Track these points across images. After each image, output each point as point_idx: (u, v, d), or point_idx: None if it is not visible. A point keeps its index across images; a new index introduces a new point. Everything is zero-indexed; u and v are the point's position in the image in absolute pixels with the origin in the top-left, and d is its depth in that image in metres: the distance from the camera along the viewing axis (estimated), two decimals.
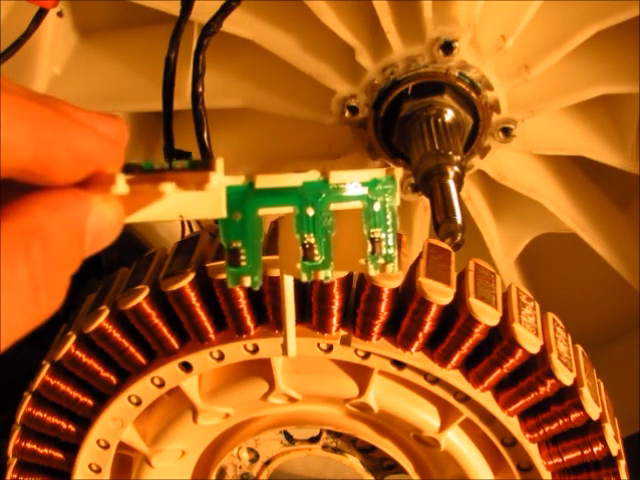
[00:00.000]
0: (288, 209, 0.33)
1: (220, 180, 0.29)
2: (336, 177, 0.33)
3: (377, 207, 0.33)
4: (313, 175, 0.33)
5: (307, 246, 0.33)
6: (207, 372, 0.54)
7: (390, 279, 0.48)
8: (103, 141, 0.28)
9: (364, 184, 0.33)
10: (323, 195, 0.33)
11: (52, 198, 0.26)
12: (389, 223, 0.34)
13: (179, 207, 0.30)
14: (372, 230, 0.34)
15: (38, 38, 0.67)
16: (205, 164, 0.30)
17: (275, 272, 0.46)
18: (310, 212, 0.33)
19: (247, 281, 0.32)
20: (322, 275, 0.33)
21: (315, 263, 0.33)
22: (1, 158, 0.24)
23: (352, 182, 0.33)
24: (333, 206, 0.33)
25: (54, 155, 0.25)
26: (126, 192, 0.28)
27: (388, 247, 0.34)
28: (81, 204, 0.27)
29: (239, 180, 0.32)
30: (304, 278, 0.33)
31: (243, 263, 0.32)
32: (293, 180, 0.32)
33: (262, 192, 0.32)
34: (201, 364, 0.52)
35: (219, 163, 0.30)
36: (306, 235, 0.33)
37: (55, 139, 0.25)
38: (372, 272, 0.34)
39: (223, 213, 0.31)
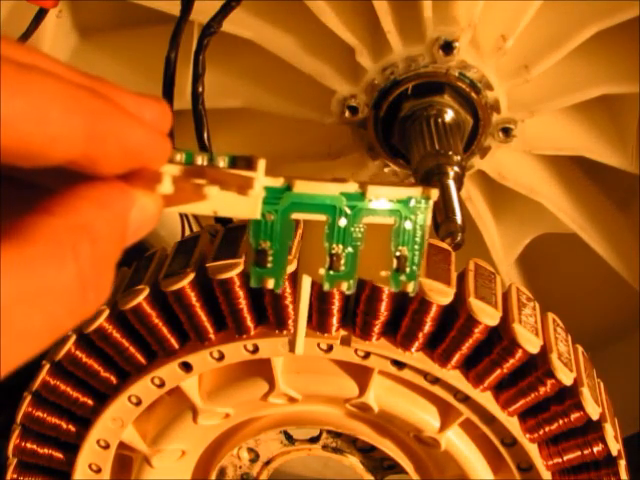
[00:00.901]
0: (321, 217, 0.32)
1: (262, 184, 0.30)
2: (373, 191, 0.32)
3: (408, 225, 0.33)
4: (351, 187, 0.32)
5: (334, 256, 0.32)
6: (207, 372, 0.54)
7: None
8: (152, 136, 0.27)
9: (399, 201, 0.33)
10: (358, 207, 0.32)
11: (99, 193, 0.25)
12: (417, 242, 0.33)
13: (215, 204, 0.30)
14: (400, 247, 0.33)
15: (38, 38, 0.67)
16: (247, 162, 0.30)
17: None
18: (342, 223, 0.32)
19: (271, 283, 0.32)
20: (344, 286, 0.33)
21: (339, 273, 0.32)
22: (52, 150, 0.23)
23: (389, 198, 0.33)
24: (366, 220, 0.33)
25: (104, 150, 0.25)
26: (171, 192, 0.28)
27: (413, 265, 0.33)
28: (126, 200, 0.26)
29: (278, 182, 0.31)
30: (326, 287, 0.33)
31: (269, 265, 0.32)
32: (331, 189, 0.32)
33: (298, 197, 0.32)
34: (201, 364, 0.52)
35: (261, 165, 0.30)
36: (334, 245, 0.32)
37: (107, 134, 0.25)
38: (393, 288, 0.33)
39: (258, 215, 0.31)
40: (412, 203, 0.33)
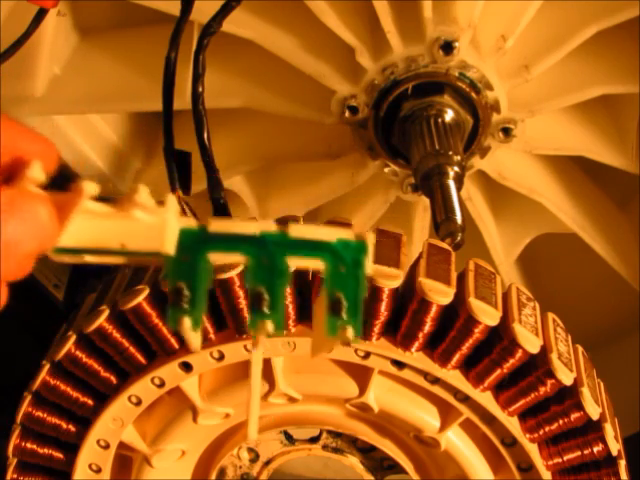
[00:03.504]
0: (241, 257, 0.31)
1: (170, 218, 0.30)
2: (296, 230, 0.31)
3: (343, 270, 0.32)
4: (270, 225, 0.31)
5: (256, 297, 0.31)
6: (207, 372, 0.54)
7: (390, 279, 0.48)
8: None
9: (331, 243, 0.31)
10: (280, 247, 0.31)
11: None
12: (355, 287, 0.32)
13: (120, 235, 0.30)
14: (335, 291, 0.31)
15: (38, 38, 0.67)
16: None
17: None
18: (264, 261, 0.31)
19: (187, 322, 0.31)
20: (269, 327, 0.31)
21: (265, 314, 0.31)
22: None
23: (313, 238, 0.31)
24: (291, 261, 0.31)
25: None
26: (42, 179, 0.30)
27: (352, 311, 0.31)
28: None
29: (192, 223, 0.31)
30: (251, 329, 0.31)
31: (185, 305, 0.31)
32: (249, 228, 0.31)
33: (215, 237, 0.31)
34: (201, 364, 0.52)
35: (172, 202, 0.31)
36: (258, 286, 0.31)
37: None
38: (329, 333, 0.31)
39: (167, 248, 0.30)
40: (347, 251, 0.32)
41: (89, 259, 0.32)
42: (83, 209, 0.31)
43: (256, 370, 0.34)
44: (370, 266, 0.32)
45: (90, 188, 0.31)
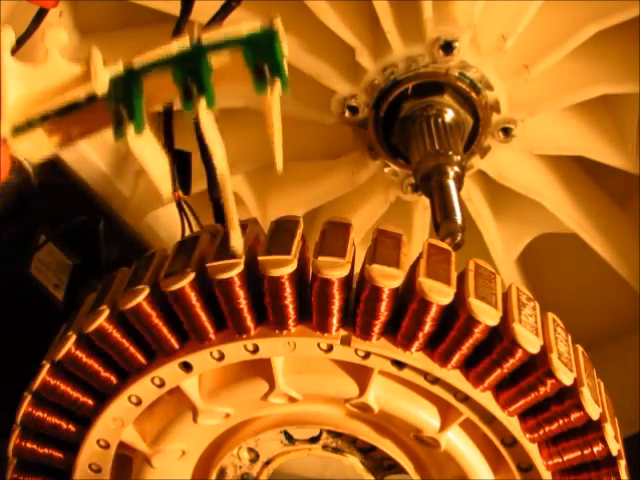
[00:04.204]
0: (167, 68, 0.36)
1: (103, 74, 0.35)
2: (207, 37, 0.37)
3: (258, 49, 0.37)
4: (185, 41, 0.36)
5: (186, 86, 0.36)
6: (207, 372, 0.54)
7: (390, 279, 0.48)
8: None
9: (243, 38, 0.37)
10: (199, 53, 0.36)
11: None
12: (274, 54, 0.37)
13: (56, 89, 0.35)
14: (256, 62, 0.36)
15: (38, 38, 0.67)
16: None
17: (275, 272, 0.47)
18: (188, 65, 0.36)
19: (131, 130, 0.35)
20: (203, 103, 0.36)
21: (194, 95, 0.35)
22: None
23: (224, 38, 0.37)
24: (212, 58, 0.36)
25: None
26: None
27: (274, 71, 0.36)
28: None
29: (119, 66, 0.37)
30: (187, 112, 0.36)
31: (124, 118, 0.35)
32: (168, 50, 0.36)
33: (142, 68, 0.37)
34: (201, 364, 0.52)
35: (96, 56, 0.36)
36: (186, 79, 0.36)
37: None
38: (258, 92, 0.36)
39: (100, 88, 0.35)
40: (255, 35, 0.37)
41: (44, 134, 0.35)
42: (10, 70, 0.34)
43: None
44: (284, 43, 0.37)
45: (8, 36, 0.35)
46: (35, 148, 0.35)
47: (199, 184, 0.58)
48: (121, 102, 0.35)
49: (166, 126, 0.61)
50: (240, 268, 0.48)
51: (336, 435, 0.62)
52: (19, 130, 0.34)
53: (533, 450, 0.52)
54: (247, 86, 0.37)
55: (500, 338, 0.49)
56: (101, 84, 0.35)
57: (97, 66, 0.35)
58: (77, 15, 0.76)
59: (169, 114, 0.61)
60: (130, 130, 0.34)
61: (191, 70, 0.36)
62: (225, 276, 0.48)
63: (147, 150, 0.36)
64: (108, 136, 0.82)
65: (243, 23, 0.37)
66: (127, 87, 0.36)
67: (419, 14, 0.64)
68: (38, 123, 0.34)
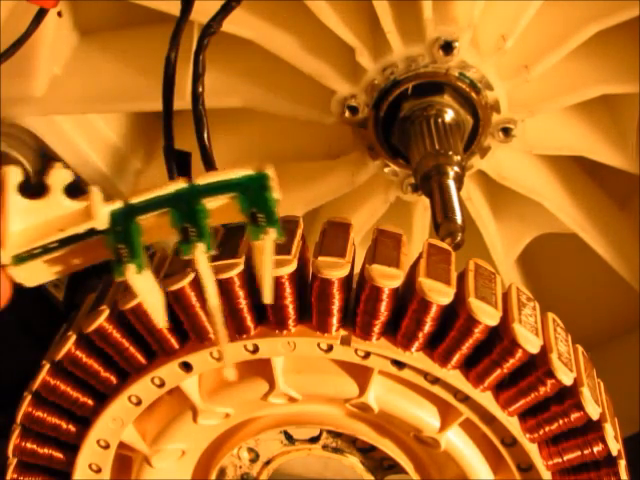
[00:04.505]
0: (164, 210, 0.38)
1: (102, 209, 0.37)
2: (202, 179, 0.38)
3: (252, 194, 0.38)
4: (180, 183, 0.38)
5: (183, 230, 0.37)
6: (207, 372, 0.54)
7: (390, 279, 0.48)
8: None
9: (236, 182, 0.39)
10: (194, 195, 0.38)
11: None
12: (266, 203, 0.38)
13: (56, 223, 0.37)
14: (250, 209, 0.38)
15: (38, 38, 0.67)
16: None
17: (275, 272, 0.47)
18: (184, 208, 0.38)
19: (132, 269, 0.36)
20: (202, 248, 0.37)
21: (192, 241, 0.37)
22: None
23: (219, 180, 0.38)
24: (206, 201, 0.38)
25: None
26: None
27: (268, 219, 0.38)
28: None
29: (119, 204, 0.38)
30: (184, 254, 0.37)
31: (126, 257, 0.37)
32: (164, 190, 0.38)
33: (139, 206, 0.38)
34: (201, 364, 0.52)
35: (96, 195, 0.38)
36: (183, 224, 0.37)
37: None
38: (253, 239, 0.38)
39: (100, 223, 0.37)
40: (248, 179, 0.39)
41: (43, 264, 0.37)
42: (14, 204, 0.36)
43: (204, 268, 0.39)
44: (276, 188, 0.38)
45: (14, 175, 0.37)
46: (34, 276, 0.38)
47: None
48: (121, 242, 0.37)
49: (166, 126, 0.61)
50: (240, 268, 0.48)
51: (336, 435, 0.62)
52: (20, 260, 0.37)
53: (533, 450, 0.52)
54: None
55: (500, 338, 0.49)
56: (101, 221, 0.37)
57: (97, 203, 0.38)
58: (77, 15, 0.76)
59: (169, 114, 0.61)
60: (131, 269, 0.36)
61: (188, 214, 0.38)
62: (225, 276, 0.48)
63: (145, 286, 0.38)
64: (108, 136, 0.82)
65: (237, 169, 0.39)
66: (126, 226, 0.38)
67: (419, 14, 0.64)
68: (39, 254, 0.37)
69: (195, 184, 0.38)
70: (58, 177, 0.37)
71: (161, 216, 0.38)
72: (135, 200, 0.38)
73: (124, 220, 0.38)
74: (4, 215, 0.36)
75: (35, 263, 0.37)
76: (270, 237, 0.37)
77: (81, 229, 0.37)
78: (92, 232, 0.38)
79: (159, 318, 0.40)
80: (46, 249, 0.37)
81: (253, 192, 0.38)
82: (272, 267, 0.40)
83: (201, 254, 0.37)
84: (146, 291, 0.38)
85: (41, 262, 0.37)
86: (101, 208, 0.37)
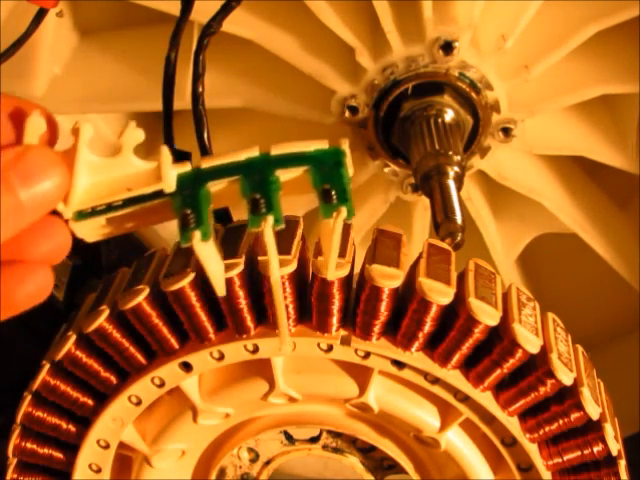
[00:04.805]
0: (235, 178, 0.37)
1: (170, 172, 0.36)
2: (276, 149, 0.37)
3: (325, 170, 0.37)
4: (254, 150, 0.37)
5: (254, 202, 0.36)
6: (207, 372, 0.54)
7: (390, 279, 0.48)
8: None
9: (311, 155, 0.37)
10: (266, 165, 0.37)
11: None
12: (341, 180, 0.36)
13: (124, 182, 0.36)
14: (322, 185, 0.36)
15: (38, 38, 0.67)
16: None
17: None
18: (256, 177, 0.37)
19: (197, 235, 0.35)
20: (270, 220, 0.36)
21: (261, 213, 0.36)
22: None
23: (292, 152, 0.37)
24: (278, 172, 0.37)
25: None
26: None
27: (341, 197, 0.36)
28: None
29: (188, 168, 0.37)
30: (251, 226, 0.36)
31: (192, 224, 0.36)
32: (236, 157, 0.37)
33: (209, 171, 0.37)
34: (201, 364, 0.52)
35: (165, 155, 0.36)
36: (253, 194, 0.36)
37: None
38: (324, 217, 0.36)
39: (169, 185, 0.36)
40: (322, 153, 0.37)
41: (105, 221, 0.36)
42: (84, 160, 0.35)
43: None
44: (350, 165, 0.37)
45: (87, 131, 0.36)
46: (95, 232, 0.37)
47: None
48: (189, 207, 0.36)
49: (166, 126, 0.61)
50: (240, 268, 0.48)
51: (336, 435, 0.62)
52: (83, 216, 0.36)
53: (533, 450, 0.52)
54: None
55: (500, 338, 0.49)
56: (169, 183, 0.36)
57: (166, 165, 0.36)
58: (77, 15, 0.76)
59: (169, 114, 0.61)
60: (197, 236, 0.35)
61: (259, 184, 0.36)
62: (225, 276, 0.48)
63: (209, 254, 0.37)
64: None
65: (311, 142, 0.37)
66: (194, 191, 0.36)
67: (419, 14, 0.64)
68: (102, 212, 0.36)
69: (269, 154, 0.37)
70: (131, 136, 0.36)
71: (231, 183, 0.37)
72: (205, 165, 0.37)
73: (193, 184, 0.37)
74: (73, 171, 0.35)
75: (97, 220, 0.36)
76: (342, 215, 0.36)
77: (148, 190, 0.36)
78: (159, 194, 0.37)
79: (219, 287, 0.39)
80: (110, 207, 0.36)
81: (327, 167, 0.37)
82: (338, 248, 0.39)
83: (269, 227, 0.35)
84: (209, 259, 0.37)
85: (103, 219, 0.36)
86: (170, 170, 0.36)
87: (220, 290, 0.39)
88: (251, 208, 0.36)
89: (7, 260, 0.34)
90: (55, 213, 0.35)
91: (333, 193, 0.36)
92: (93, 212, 0.36)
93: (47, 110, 0.36)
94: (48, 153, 0.34)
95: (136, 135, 0.36)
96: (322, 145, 0.37)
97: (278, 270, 0.40)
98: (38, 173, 0.33)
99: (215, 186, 0.37)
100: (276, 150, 0.37)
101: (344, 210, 0.36)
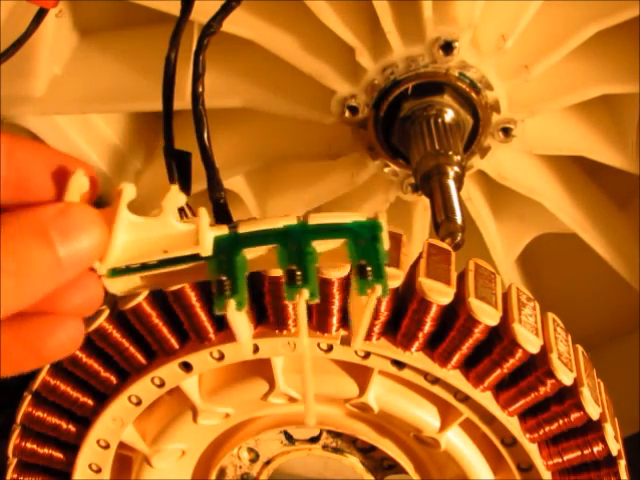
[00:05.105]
0: (272, 247, 0.37)
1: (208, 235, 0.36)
2: (314, 219, 0.37)
3: (362, 244, 0.37)
4: (292, 219, 0.37)
5: (290, 272, 0.36)
6: (207, 372, 0.54)
7: (390, 279, 0.47)
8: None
9: (349, 227, 0.37)
10: (303, 235, 0.37)
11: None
12: (377, 256, 0.36)
13: (160, 244, 0.36)
14: (359, 260, 0.36)
15: (38, 38, 0.67)
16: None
17: (275, 272, 0.47)
18: (293, 247, 0.36)
19: (232, 304, 0.35)
20: (306, 294, 0.35)
21: (297, 286, 0.35)
22: None
23: (331, 222, 0.37)
24: (315, 243, 0.36)
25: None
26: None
27: (376, 274, 0.36)
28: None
29: (224, 230, 0.37)
30: (288, 298, 0.36)
31: (227, 292, 0.35)
32: (275, 224, 0.37)
33: (246, 236, 0.37)
34: (201, 364, 0.52)
35: (204, 217, 0.36)
36: (289, 265, 0.36)
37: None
38: (361, 293, 0.36)
39: (205, 250, 0.36)
40: (363, 229, 0.37)
41: (138, 279, 0.37)
42: (124, 219, 0.35)
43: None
44: (386, 240, 0.37)
45: (129, 192, 0.35)
46: (127, 287, 0.37)
47: (199, 184, 0.58)
48: (224, 273, 0.36)
49: (166, 126, 0.61)
50: None
51: (336, 435, 0.62)
52: (116, 273, 0.36)
53: (533, 450, 0.52)
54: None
55: (500, 338, 0.49)
56: (206, 248, 0.36)
57: (204, 230, 0.36)
58: (77, 15, 0.76)
59: (169, 114, 0.61)
60: (232, 305, 0.35)
61: (296, 254, 0.36)
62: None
63: (242, 322, 0.37)
64: (108, 135, 0.82)
65: (350, 214, 0.37)
66: (231, 257, 0.36)
67: (419, 14, 0.64)
68: (136, 270, 0.36)
69: (307, 223, 0.37)
70: (172, 199, 0.36)
71: (267, 251, 0.37)
72: (243, 230, 0.37)
73: (229, 249, 0.37)
74: (112, 230, 0.35)
75: (130, 277, 0.36)
76: (376, 293, 0.36)
77: (185, 253, 0.36)
78: (194, 257, 0.36)
79: (248, 352, 0.41)
80: (145, 266, 0.36)
81: (364, 241, 0.37)
82: (369, 322, 0.38)
83: (303, 301, 0.35)
84: (242, 327, 0.37)
85: (137, 277, 0.37)
86: (207, 234, 0.36)
87: (247, 354, 0.40)
88: (287, 279, 0.36)
89: (40, 311, 0.34)
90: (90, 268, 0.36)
91: (369, 269, 0.36)
92: (127, 270, 0.36)
93: (90, 167, 0.36)
94: (89, 211, 0.34)
95: (178, 199, 0.36)
96: (360, 217, 0.37)
97: (308, 342, 0.40)
98: (78, 231, 0.34)
99: (252, 253, 0.37)
100: (314, 220, 0.37)
101: (379, 288, 0.36)
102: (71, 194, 0.35)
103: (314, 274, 0.36)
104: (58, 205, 0.34)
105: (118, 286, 0.37)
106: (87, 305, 0.36)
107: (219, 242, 0.37)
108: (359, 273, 0.36)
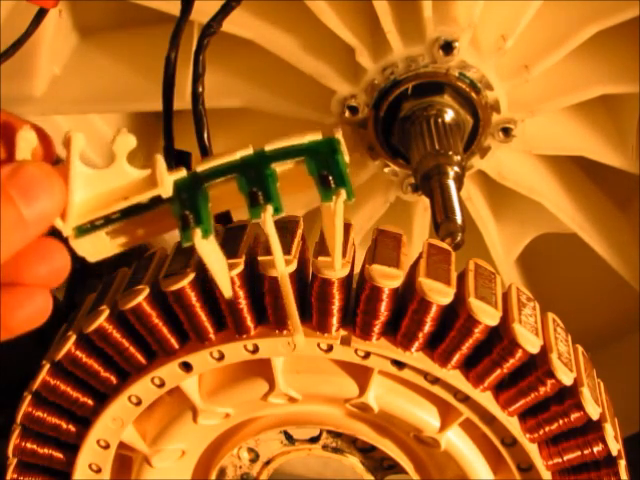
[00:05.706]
0: (231, 176, 0.37)
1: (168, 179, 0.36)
2: (270, 145, 0.37)
3: (321, 158, 0.37)
4: (248, 149, 0.37)
5: (252, 194, 0.36)
6: (207, 372, 0.54)
7: (390, 279, 0.48)
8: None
9: (305, 147, 0.37)
10: (262, 160, 0.37)
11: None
12: (337, 165, 0.37)
13: (120, 192, 0.36)
14: (320, 171, 0.37)
15: (38, 38, 0.67)
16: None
17: (275, 272, 0.47)
18: (252, 173, 0.37)
19: (198, 233, 0.35)
20: (270, 210, 0.36)
21: (260, 204, 0.36)
22: None
23: (286, 146, 0.37)
24: (274, 165, 0.37)
25: None
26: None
27: (339, 181, 0.36)
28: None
29: (183, 173, 0.37)
30: (253, 219, 0.36)
31: (192, 223, 0.36)
32: (231, 157, 0.37)
33: (205, 174, 0.37)
34: (201, 364, 0.52)
35: (160, 163, 0.36)
36: (251, 189, 0.36)
37: None
38: (325, 200, 0.37)
39: (166, 190, 0.36)
40: (316, 143, 0.38)
41: (106, 237, 0.36)
42: (78, 173, 0.35)
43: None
44: (345, 152, 0.37)
45: (78, 141, 0.35)
46: (97, 249, 0.37)
47: None
48: (187, 208, 0.36)
49: (166, 126, 0.61)
50: (240, 268, 0.48)
51: (336, 435, 0.62)
52: (82, 231, 0.35)
53: (533, 450, 0.52)
54: (309, 191, 0.38)
55: (500, 338, 0.49)
56: (166, 188, 0.36)
57: (162, 171, 0.36)
58: (77, 15, 0.76)
59: (169, 114, 0.61)
60: (197, 234, 0.35)
61: (256, 179, 0.37)
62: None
63: (211, 252, 0.37)
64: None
65: (305, 134, 0.38)
66: (192, 193, 0.37)
67: (419, 14, 0.64)
68: (101, 225, 0.36)
69: (262, 150, 0.37)
70: (123, 143, 0.36)
71: (228, 182, 0.37)
72: (201, 168, 0.37)
73: (190, 188, 0.37)
74: (68, 185, 0.34)
75: (98, 235, 0.36)
76: (341, 197, 0.36)
77: (146, 197, 0.36)
78: (156, 201, 0.36)
79: (225, 285, 0.39)
80: (108, 220, 0.35)
81: (322, 156, 0.37)
82: (342, 231, 0.39)
83: (269, 216, 0.36)
84: (212, 257, 0.37)
85: (104, 234, 0.36)
86: (166, 176, 0.36)
87: (226, 290, 0.39)
88: (250, 202, 0.36)
89: (6, 283, 0.34)
90: (53, 234, 0.35)
91: (331, 178, 0.37)
92: (92, 227, 0.35)
93: (38, 125, 0.36)
94: (43, 167, 0.34)
95: (128, 141, 0.36)
96: (316, 136, 0.38)
97: (283, 259, 0.40)
98: (36, 186, 0.34)
99: (212, 187, 0.37)
100: (270, 146, 0.37)
101: (343, 192, 0.36)
102: (21, 151, 0.35)
103: (276, 191, 0.36)
104: (12, 165, 0.34)
105: (87, 247, 0.36)
106: (54, 275, 0.36)
107: (179, 184, 0.37)
108: (322, 183, 0.37)
